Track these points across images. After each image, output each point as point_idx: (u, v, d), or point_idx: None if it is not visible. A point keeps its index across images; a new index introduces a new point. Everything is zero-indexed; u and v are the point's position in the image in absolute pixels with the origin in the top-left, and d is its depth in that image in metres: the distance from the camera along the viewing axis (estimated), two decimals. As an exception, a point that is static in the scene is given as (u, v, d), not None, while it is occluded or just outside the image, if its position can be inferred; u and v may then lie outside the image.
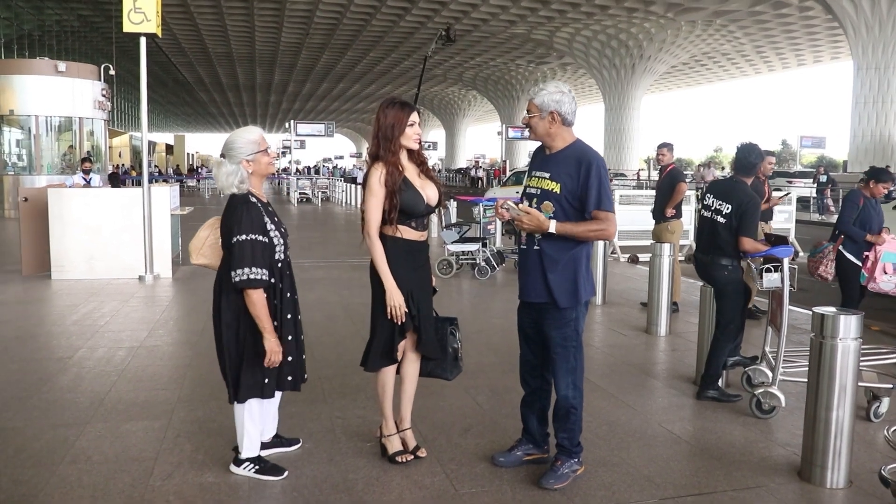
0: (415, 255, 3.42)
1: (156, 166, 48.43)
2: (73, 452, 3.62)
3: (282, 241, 3.31)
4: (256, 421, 3.38)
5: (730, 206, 4.55)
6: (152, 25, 8.51)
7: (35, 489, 3.22)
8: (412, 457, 3.53)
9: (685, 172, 9.06)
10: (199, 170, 46.15)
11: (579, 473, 3.39)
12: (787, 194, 12.26)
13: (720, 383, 4.71)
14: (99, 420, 4.09)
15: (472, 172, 50.54)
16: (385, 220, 3.32)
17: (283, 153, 43.52)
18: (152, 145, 54.93)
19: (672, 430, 4.08)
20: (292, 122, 32.61)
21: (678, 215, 7.75)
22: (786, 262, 4.35)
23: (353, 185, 26.40)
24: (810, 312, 3.54)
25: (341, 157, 77.06)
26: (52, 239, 8.77)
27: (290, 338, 3.33)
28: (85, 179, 12.64)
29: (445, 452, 3.67)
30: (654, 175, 28.59)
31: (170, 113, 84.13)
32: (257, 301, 3.13)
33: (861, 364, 3.70)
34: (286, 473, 3.38)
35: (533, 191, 3.34)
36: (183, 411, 4.24)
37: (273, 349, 3.16)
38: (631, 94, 42.18)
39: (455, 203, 13.61)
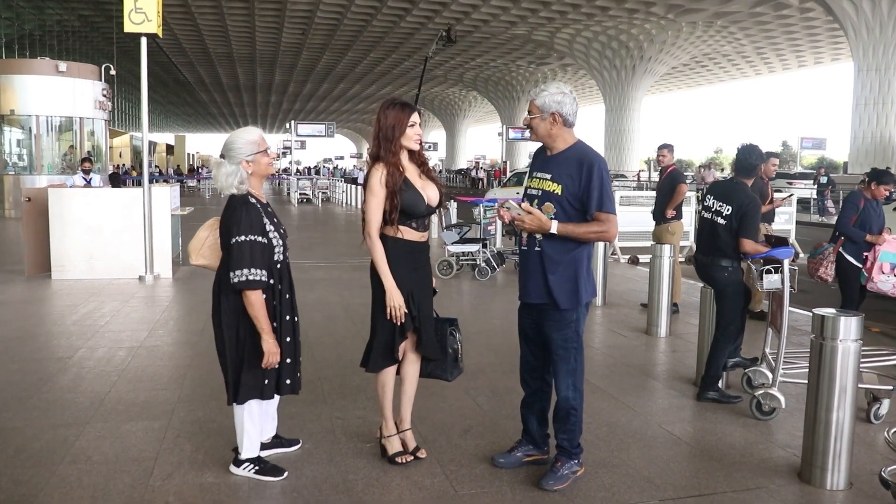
0: (415, 255, 3.42)
1: (156, 166, 48.43)
2: (73, 452, 3.62)
3: (281, 242, 3.30)
4: (256, 421, 3.38)
5: (730, 208, 4.55)
6: (153, 25, 8.51)
7: (35, 489, 3.22)
8: (412, 458, 3.53)
9: (685, 174, 9.07)
10: (200, 170, 46.18)
11: (579, 474, 3.39)
12: (790, 195, 12.27)
13: (720, 385, 4.70)
14: (99, 420, 4.09)
15: (473, 173, 50.52)
16: (386, 221, 3.32)
17: (284, 153, 43.53)
18: (153, 145, 54.93)
19: (672, 432, 4.08)
20: (293, 122, 32.60)
21: (678, 216, 7.75)
22: (786, 263, 4.35)
23: (354, 186, 26.40)
24: (810, 314, 3.54)
25: (342, 158, 77.05)
26: (52, 239, 8.77)
27: (288, 339, 3.33)
28: (85, 179, 12.64)
29: (445, 453, 3.67)
30: (655, 176, 28.59)
31: (170, 113, 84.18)
32: (256, 302, 3.13)
33: (861, 366, 3.70)
34: (286, 474, 3.38)
35: (534, 192, 3.34)
36: (183, 411, 4.24)
37: (271, 350, 3.16)
38: (631, 95, 42.21)
39: (455, 204, 13.61)
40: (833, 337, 3.35)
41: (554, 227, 3.18)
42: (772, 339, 4.68)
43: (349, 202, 26.32)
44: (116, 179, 16.66)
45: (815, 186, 25.96)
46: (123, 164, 40.30)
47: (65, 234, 8.80)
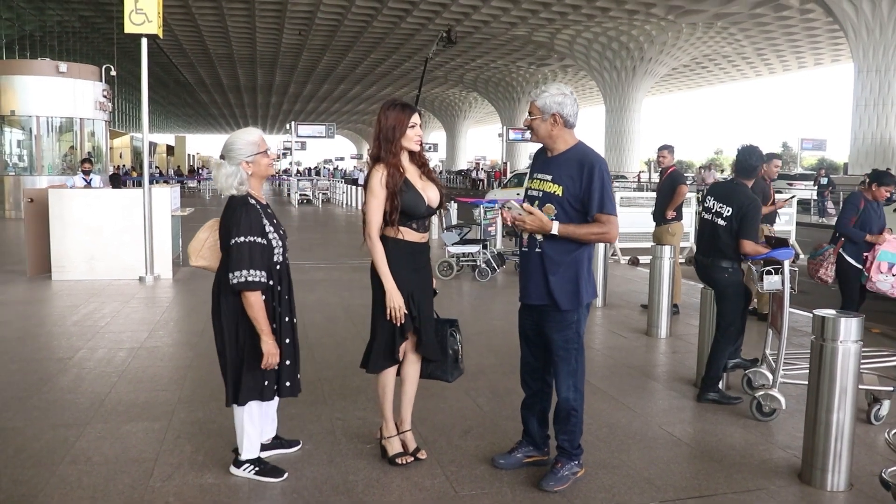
0: (416, 256, 3.42)
1: (156, 167, 48.46)
2: (73, 453, 3.62)
3: (280, 243, 3.30)
4: (256, 423, 3.38)
5: (730, 209, 4.55)
6: (153, 26, 8.52)
7: (35, 489, 3.22)
8: (412, 459, 3.53)
9: (686, 175, 9.06)
10: (200, 171, 46.19)
11: (579, 476, 3.39)
12: (792, 197, 12.27)
13: (720, 386, 4.70)
14: (99, 421, 4.09)
15: (473, 174, 50.54)
16: (386, 222, 3.32)
17: (284, 154, 43.52)
18: (153, 146, 54.97)
19: (672, 433, 4.08)
20: (293, 123, 32.63)
21: (679, 217, 7.75)
22: (786, 264, 4.35)
23: (354, 187, 26.42)
24: (811, 315, 3.54)
25: (342, 159, 77.08)
26: (52, 240, 8.77)
27: (287, 341, 3.33)
28: (85, 180, 12.64)
29: (446, 454, 3.67)
30: (655, 177, 28.61)
31: (171, 114, 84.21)
32: (255, 303, 3.12)
33: (861, 367, 3.69)
34: (286, 475, 3.37)
35: (535, 193, 3.34)
36: (183, 412, 4.24)
37: (270, 351, 3.16)
38: (632, 96, 42.24)
39: (456, 205, 13.61)
40: (833, 338, 3.35)
41: (555, 227, 3.18)
42: (772, 340, 4.68)
43: (349, 203, 26.33)
44: (117, 180, 16.68)
45: (816, 187, 25.96)
46: (124, 165, 40.33)
47: (65, 234, 8.80)
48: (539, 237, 3.26)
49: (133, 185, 21.10)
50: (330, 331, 6.39)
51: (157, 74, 48.32)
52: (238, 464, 3.38)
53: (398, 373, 3.53)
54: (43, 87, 17.76)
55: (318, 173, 52.89)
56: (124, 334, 6.19)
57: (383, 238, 3.34)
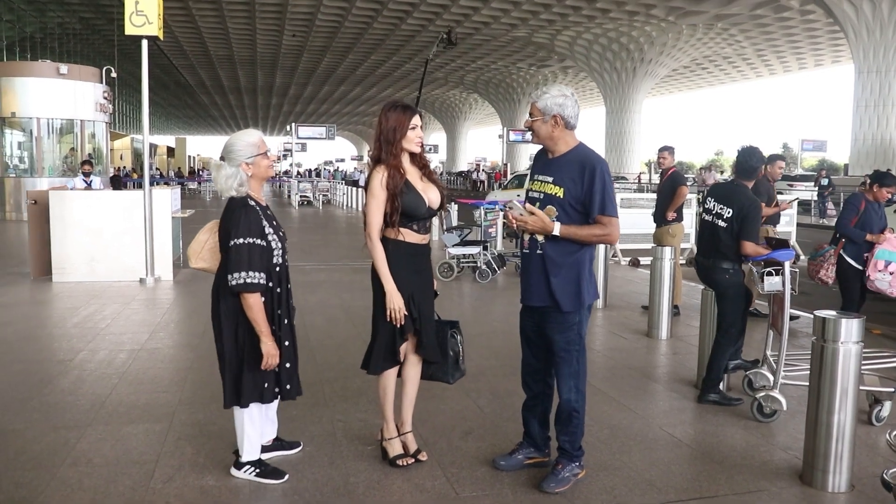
0: (416, 258, 3.42)
1: (157, 169, 48.49)
2: (73, 455, 3.62)
3: (280, 245, 3.30)
4: (256, 424, 3.37)
5: (731, 210, 4.54)
6: (154, 28, 8.52)
7: (35, 491, 3.22)
8: (413, 460, 3.52)
9: (686, 176, 9.06)
10: (201, 172, 46.22)
11: (580, 477, 3.39)
12: (795, 199, 12.28)
13: (721, 387, 4.70)
14: (100, 423, 4.08)
15: (474, 176, 50.56)
16: (387, 223, 3.32)
17: (285, 156, 43.55)
18: (154, 148, 55.02)
19: (673, 434, 4.08)
20: (293, 124, 32.66)
21: (679, 219, 7.75)
22: (787, 265, 4.34)
23: (355, 188, 26.42)
24: (811, 316, 3.54)
25: (342, 160, 77.14)
26: (53, 241, 8.77)
27: (287, 343, 3.33)
28: (86, 182, 12.64)
29: (446, 456, 3.67)
30: (655, 178, 28.59)
31: (171, 115, 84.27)
32: (254, 305, 3.12)
33: (862, 368, 3.69)
34: (287, 477, 3.37)
35: (536, 195, 3.34)
36: (184, 414, 4.24)
37: (270, 352, 3.15)
38: (632, 97, 42.25)
39: (456, 206, 13.61)
40: (834, 339, 3.34)
41: (556, 228, 3.18)
42: (773, 341, 4.68)
43: (350, 204, 26.33)
44: (117, 182, 16.69)
45: (816, 188, 25.96)
46: (124, 167, 40.34)
47: (66, 236, 8.80)
48: (540, 238, 3.26)
49: (133, 187, 21.12)
50: (331, 332, 6.39)
51: (158, 76, 48.35)
52: (239, 465, 3.38)
53: (399, 374, 3.53)
54: (43, 89, 17.78)
55: (318, 175, 52.91)
56: (125, 336, 6.20)
57: (384, 239, 3.35)
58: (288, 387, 3.35)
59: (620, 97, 42.32)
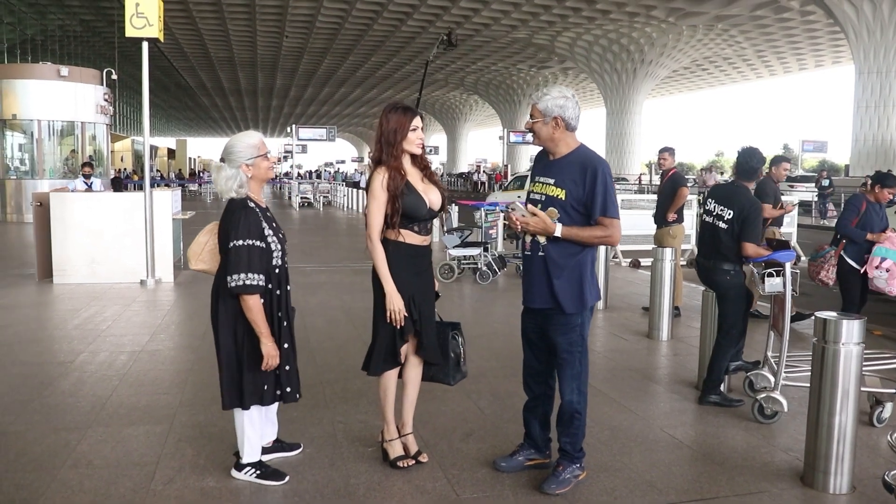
0: (417, 259, 3.42)
1: (158, 171, 48.53)
2: (74, 457, 3.62)
3: (280, 246, 3.30)
4: (256, 426, 3.37)
5: (731, 212, 4.54)
6: (154, 30, 8.53)
7: (36, 493, 3.22)
8: (414, 462, 3.52)
9: (687, 177, 9.06)
10: (201, 174, 46.25)
11: (581, 479, 3.38)
12: (797, 204, 12.30)
13: (722, 388, 4.69)
14: (100, 424, 4.08)
15: (474, 177, 50.59)
16: (388, 224, 3.32)
17: (285, 157, 43.60)
18: (154, 150, 55.08)
19: (674, 435, 4.08)
20: (294, 126, 32.69)
21: (680, 220, 7.75)
22: (787, 266, 4.34)
23: (355, 190, 26.43)
24: (812, 317, 3.53)
25: (343, 162, 77.15)
26: (54, 243, 8.78)
27: (286, 345, 3.33)
28: (86, 184, 12.65)
29: (447, 457, 3.67)
30: (656, 179, 28.60)
31: (172, 117, 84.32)
32: (253, 306, 3.12)
33: (864, 369, 3.69)
34: (287, 478, 3.37)
35: (537, 196, 3.33)
36: (184, 416, 4.24)
37: (270, 353, 3.16)
38: (632, 98, 42.25)
39: (457, 208, 13.61)
40: (835, 340, 3.34)
41: (558, 229, 3.19)
42: (774, 342, 4.68)
43: (350, 206, 26.34)
44: (118, 184, 16.70)
45: (817, 189, 25.95)
46: (125, 169, 40.39)
47: (67, 238, 8.81)
48: (542, 240, 3.26)
49: (134, 189, 21.13)
50: (331, 334, 6.39)
51: (158, 78, 48.39)
52: (239, 467, 3.38)
53: (400, 376, 3.53)
54: (44, 91, 17.80)
55: (318, 176, 52.94)
56: (125, 338, 6.20)
57: (384, 241, 3.35)
58: (288, 389, 3.35)
59: (621, 98, 42.32)
